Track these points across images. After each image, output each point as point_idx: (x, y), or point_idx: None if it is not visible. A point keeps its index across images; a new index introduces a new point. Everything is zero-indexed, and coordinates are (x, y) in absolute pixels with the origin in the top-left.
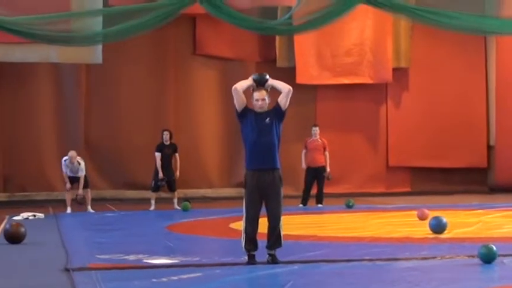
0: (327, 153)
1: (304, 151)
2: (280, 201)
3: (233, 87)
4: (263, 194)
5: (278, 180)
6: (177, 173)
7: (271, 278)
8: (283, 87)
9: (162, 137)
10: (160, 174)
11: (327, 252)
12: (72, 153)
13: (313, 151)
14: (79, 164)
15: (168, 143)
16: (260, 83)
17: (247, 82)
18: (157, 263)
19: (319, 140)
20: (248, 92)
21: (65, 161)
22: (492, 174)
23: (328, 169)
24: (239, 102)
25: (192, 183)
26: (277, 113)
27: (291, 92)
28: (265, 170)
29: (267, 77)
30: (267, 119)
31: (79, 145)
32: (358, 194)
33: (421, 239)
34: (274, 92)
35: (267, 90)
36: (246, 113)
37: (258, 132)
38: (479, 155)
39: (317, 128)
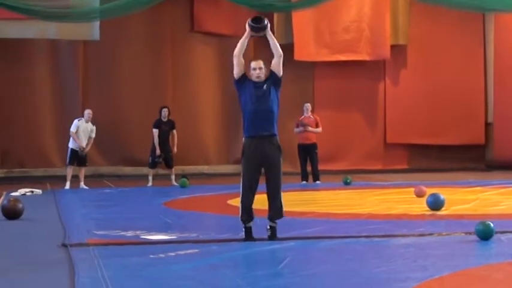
0: (319, 129)
1: (295, 129)
2: (279, 169)
3: (234, 54)
4: (262, 162)
5: (276, 147)
6: (175, 149)
7: (269, 254)
8: (276, 49)
9: (161, 113)
10: (158, 151)
11: (325, 228)
12: (89, 110)
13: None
14: (93, 124)
15: (166, 119)
16: (256, 30)
17: (243, 37)
18: (155, 239)
19: (311, 117)
20: (247, 61)
21: (78, 120)
22: (490, 152)
23: (310, 128)
24: (238, 68)
25: (189, 159)
26: (274, 80)
27: (282, 58)
28: (263, 137)
29: (266, 22)
30: (265, 86)
31: None
32: (356, 171)
33: (418, 216)
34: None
35: (263, 62)
36: (244, 81)
37: (256, 99)
38: (477, 132)
39: (309, 105)
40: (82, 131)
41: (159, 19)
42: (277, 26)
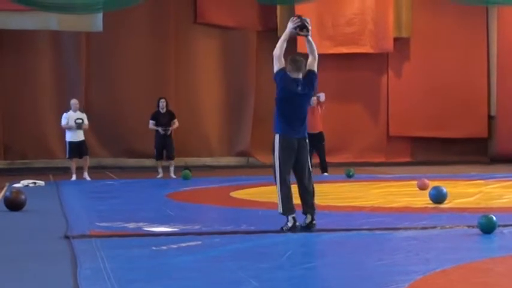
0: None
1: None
2: (273, 165)
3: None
4: None
5: (272, 145)
6: (175, 125)
7: (271, 246)
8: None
9: (158, 105)
10: (160, 130)
11: (327, 221)
12: (74, 100)
13: (310, 116)
14: (81, 112)
15: (164, 110)
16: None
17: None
18: (157, 231)
19: (317, 108)
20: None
21: (66, 112)
22: (493, 145)
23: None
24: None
25: (192, 151)
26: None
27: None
28: None
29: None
30: None
31: None
32: (359, 164)
33: (421, 209)
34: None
35: None
36: None
37: None
38: (480, 125)
39: (315, 98)
40: (71, 122)
41: (162, 11)
42: (280, 18)
